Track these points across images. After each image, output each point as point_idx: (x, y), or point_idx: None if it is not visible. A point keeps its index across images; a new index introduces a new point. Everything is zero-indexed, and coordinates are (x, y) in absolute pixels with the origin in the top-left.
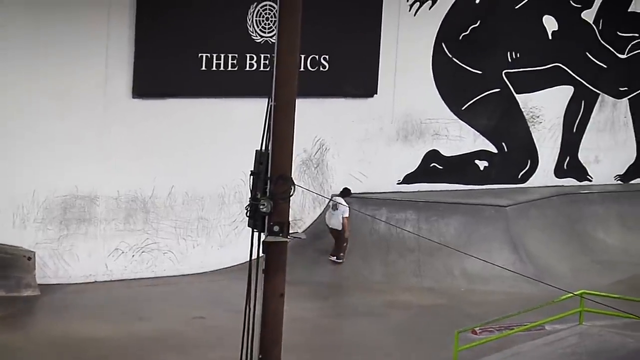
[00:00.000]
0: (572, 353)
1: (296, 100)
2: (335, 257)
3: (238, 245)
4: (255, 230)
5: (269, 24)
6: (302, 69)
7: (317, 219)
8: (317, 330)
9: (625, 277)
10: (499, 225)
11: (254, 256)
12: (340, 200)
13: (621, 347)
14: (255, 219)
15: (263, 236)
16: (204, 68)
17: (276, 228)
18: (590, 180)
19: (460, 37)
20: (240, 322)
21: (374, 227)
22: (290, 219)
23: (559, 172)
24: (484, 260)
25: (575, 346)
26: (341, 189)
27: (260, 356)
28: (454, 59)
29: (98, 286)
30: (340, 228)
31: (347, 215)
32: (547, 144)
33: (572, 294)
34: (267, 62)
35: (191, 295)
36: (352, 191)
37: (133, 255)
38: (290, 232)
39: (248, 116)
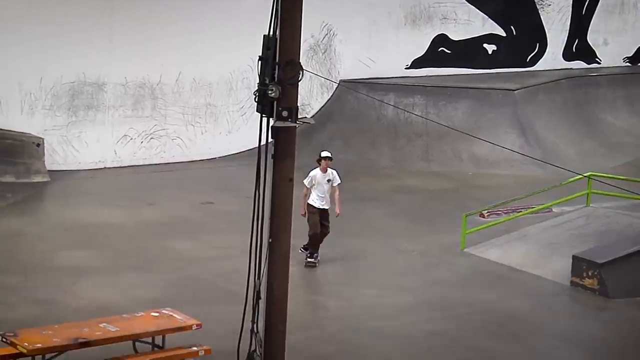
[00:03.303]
0: (580, 234)
1: None
2: (309, 254)
3: (246, 131)
4: (263, 115)
5: None
6: None
7: (325, 105)
8: None
9: (632, 159)
10: (507, 109)
11: (263, 141)
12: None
13: (628, 227)
14: (264, 104)
15: (272, 121)
16: None
17: (285, 113)
18: (599, 63)
19: None
20: (249, 208)
21: (382, 112)
22: (298, 105)
23: (568, 55)
24: (493, 144)
25: (583, 227)
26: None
27: (270, 240)
28: None
29: (107, 172)
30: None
31: (304, 182)
32: (556, 27)
33: (580, 176)
34: None
35: (200, 182)
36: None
37: (142, 142)
38: (299, 117)
39: (256, 1)
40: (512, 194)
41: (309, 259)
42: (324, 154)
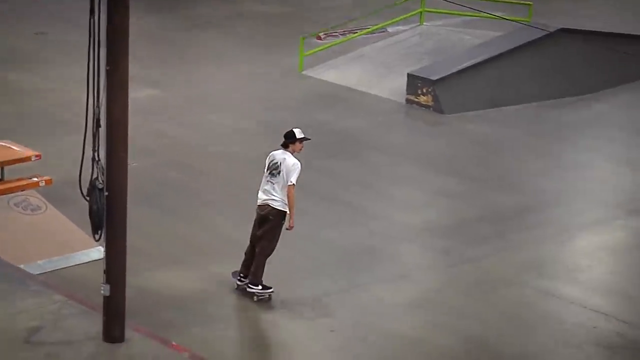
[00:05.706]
0: (414, 53)
1: None
2: (253, 286)
3: None
4: None
5: None
6: None
7: None
8: (163, 42)
9: None
10: None
11: None
12: (283, 155)
13: (460, 44)
14: None
15: None
16: None
17: None
18: None
19: None
20: (85, 37)
21: None
22: None
23: None
24: None
25: (417, 46)
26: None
27: (108, 68)
28: None
29: None
30: (277, 205)
31: (293, 181)
32: None
33: None
34: None
35: (31, 11)
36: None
37: None
38: None
39: None
40: (348, 15)
41: (264, 291)
42: (300, 133)
